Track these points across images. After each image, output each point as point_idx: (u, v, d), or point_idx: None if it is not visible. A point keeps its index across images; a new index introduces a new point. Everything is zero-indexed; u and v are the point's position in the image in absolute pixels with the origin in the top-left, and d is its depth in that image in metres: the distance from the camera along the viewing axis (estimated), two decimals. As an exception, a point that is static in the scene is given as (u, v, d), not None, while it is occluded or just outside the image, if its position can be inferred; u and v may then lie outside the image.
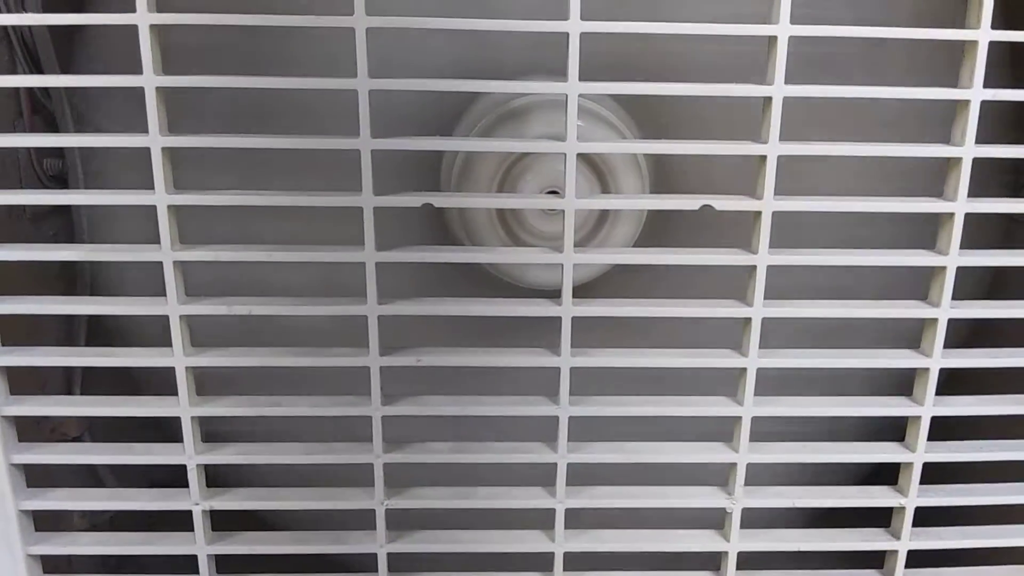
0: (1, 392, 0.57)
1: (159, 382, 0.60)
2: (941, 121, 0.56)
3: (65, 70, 0.66)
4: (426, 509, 0.61)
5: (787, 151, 0.54)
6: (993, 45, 0.52)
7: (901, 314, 0.58)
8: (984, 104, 0.53)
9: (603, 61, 0.59)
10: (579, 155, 0.54)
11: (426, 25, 0.51)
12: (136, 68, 0.50)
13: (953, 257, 0.56)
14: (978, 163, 0.55)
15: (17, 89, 0.65)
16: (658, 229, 0.67)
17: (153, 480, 0.66)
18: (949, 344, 0.59)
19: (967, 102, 0.53)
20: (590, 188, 0.61)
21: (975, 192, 0.55)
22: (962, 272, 0.57)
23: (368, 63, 0.51)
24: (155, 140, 0.52)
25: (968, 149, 0.54)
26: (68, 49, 0.69)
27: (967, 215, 0.56)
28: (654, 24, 0.52)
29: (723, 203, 0.55)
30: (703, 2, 0.67)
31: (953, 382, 0.64)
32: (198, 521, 0.60)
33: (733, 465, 0.61)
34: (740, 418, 0.59)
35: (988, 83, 0.53)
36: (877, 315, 0.58)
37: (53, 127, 0.68)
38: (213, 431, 0.61)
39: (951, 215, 0.56)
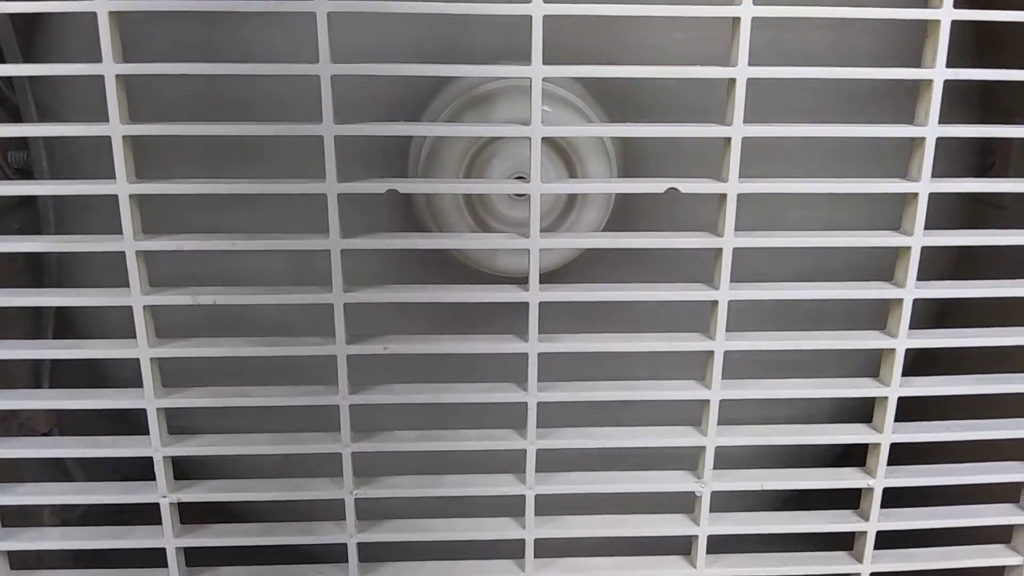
0: (-37, 386, 0.56)
1: (129, 379, 0.59)
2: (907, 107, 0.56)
3: (27, 61, 0.66)
4: (396, 501, 0.61)
5: (751, 133, 0.54)
6: (956, 26, 0.53)
7: (867, 295, 0.58)
8: (950, 87, 0.54)
9: (573, 54, 0.59)
10: (546, 141, 0.54)
11: (388, 9, 0.51)
12: (98, 58, 0.50)
13: (918, 237, 0.57)
14: (944, 146, 0.55)
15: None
16: (626, 220, 0.67)
17: (124, 477, 0.65)
18: (919, 324, 0.59)
19: (930, 82, 0.54)
20: (557, 174, 0.61)
21: (940, 174, 0.56)
22: (928, 253, 0.57)
23: (331, 50, 0.50)
24: (116, 128, 0.51)
25: (931, 129, 0.54)
26: (30, 40, 0.68)
27: (933, 196, 0.56)
28: (617, 6, 0.52)
29: (689, 186, 0.55)
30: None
31: (925, 364, 0.64)
32: (165, 514, 0.60)
33: (702, 449, 0.61)
34: (708, 401, 0.59)
35: (952, 64, 0.53)
36: (843, 296, 0.58)
37: (17, 119, 0.67)
38: (186, 427, 0.61)
39: (915, 195, 0.56)
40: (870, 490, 0.62)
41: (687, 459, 0.62)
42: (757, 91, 0.53)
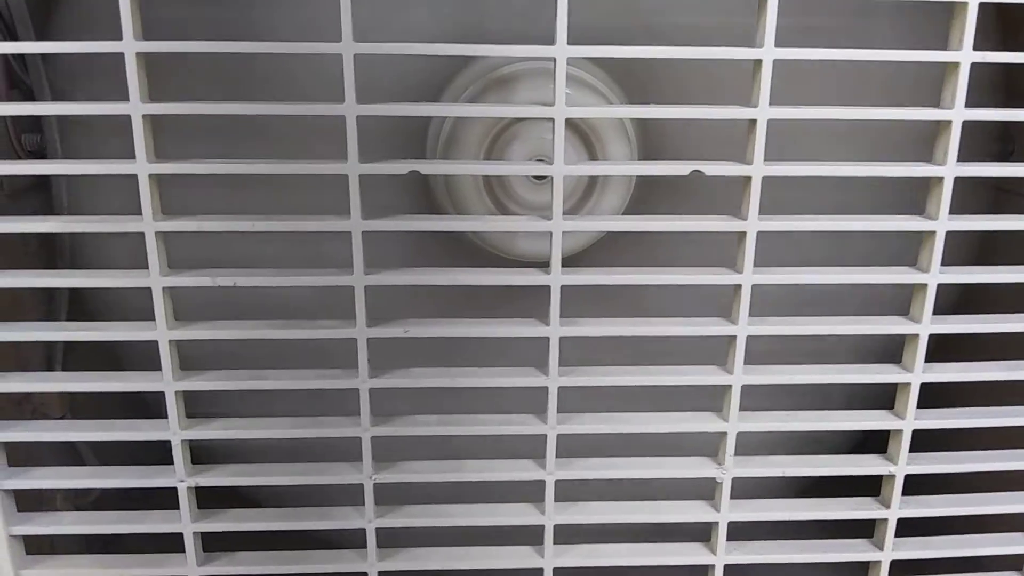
0: (-21, 369, 0.56)
1: (143, 366, 0.59)
2: (930, 93, 0.55)
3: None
4: (415, 489, 0.60)
5: (777, 115, 0.53)
6: (982, 8, 0.52)
7: (891, 279, 0.58)
8: (972, 71, 0.53)
9: (593, 37, 0.59)
10: (567, 123, 0.53)
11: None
12: (117, 37, 0.49)
13: (942, 222, 0.56)
14: (966, 133, 0.55)
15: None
16: (645, 209, 0.67)
17: (138, 464, 0.65)
18: (939, 310, 0.59)
19: (956, 64, 0.53)
20: (578, 157, 0.60)
21: (960, 162, 0.55)
22: (951, 239, 0.57)
23: (354, 32, 0.50)
24: (136, 107, 0.50)
25: (958, 112, 0.54)
26: (46, 22, 0.67)
27: (957, 181, 0.55)
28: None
29: (713, 168, 0.54)
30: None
31: (945, 350, 0.64)
32: (183, 498, 0.59)
33: (723, 435, 0.60)
34: (730, 387, 0.59)
35: (977, 48, 0.53)
36: (867, 280, 0.58)
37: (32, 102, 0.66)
38: (200, 416, 0.60)
39: (940, 180, 0.55)
40: (891, 477, 0.62)
41: (708, 448, 0.62)
42: (776, 81, 0.53)
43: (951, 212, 0.56)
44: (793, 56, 0.52)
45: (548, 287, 0.55)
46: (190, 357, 0.58)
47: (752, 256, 0.56)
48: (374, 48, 0.50)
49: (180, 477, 0.59)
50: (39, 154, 0.69)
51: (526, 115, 0.55)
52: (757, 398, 0.60)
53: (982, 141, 0.71)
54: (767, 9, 0.51)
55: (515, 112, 0.55)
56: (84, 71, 0.66)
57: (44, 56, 0.66)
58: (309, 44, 0.50)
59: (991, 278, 0.59)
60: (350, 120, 0.51)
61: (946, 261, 0.57)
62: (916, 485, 0.63)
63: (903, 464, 0.62)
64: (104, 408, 0.68)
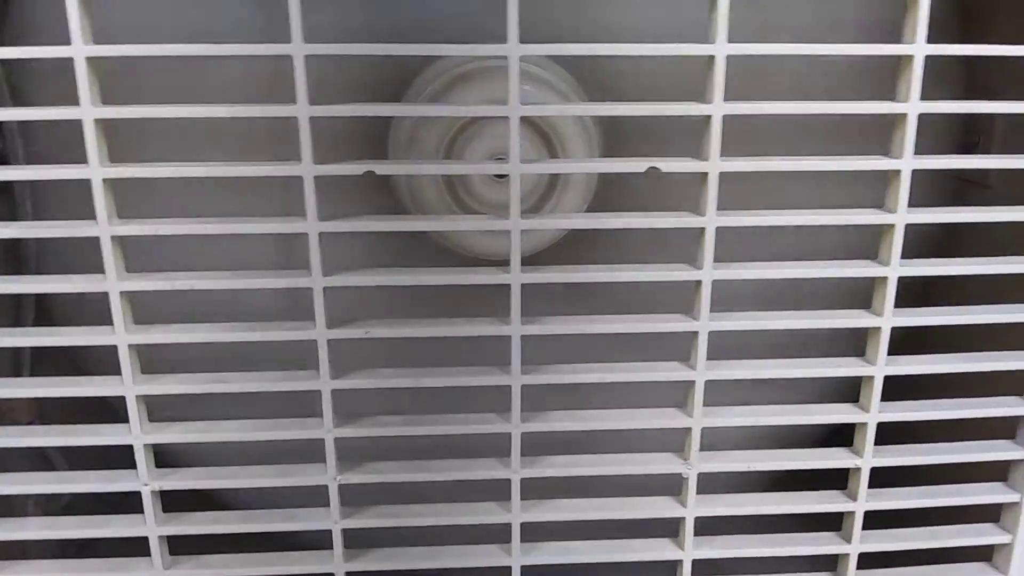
0: (-61, 375, 0.56)
1: (111, 370, 0.59)
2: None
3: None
4: (379, 486, 0.60)
5: (732, 110, 0.53)
6: (937, 1, 0.52)
7: (851, 273, 0.58)
8: (932, 66, 0.53)
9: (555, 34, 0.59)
10: (526, 122, 0.53)
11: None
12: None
13: (901, 215, 0.56)
14: (926, 126, 0.55)
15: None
16: (608, 207, 0.66)
17: (110, 468, 0.65)
18: (905, 302, 0.59)
19: (911, 57, 0.53)
20: (538, 156, 0.60)
21: (924, 154, 0.55)
22: (911, 235, 0.57)
23: (305, 32, 0.50)
24: (87, 111, 0.50)
25: (913, 105, 0.54)
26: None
27: (915, 177, 0.56)
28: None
29: (669, 164, 0.54)
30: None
31: (912, 341, 0.64)
32: (147, 502, 0.59)
33: (688, 430, 0.60)
34: (693, 383, 0.59)
35: (935, 41, 0.53)
36: (828, 275, 0.58)
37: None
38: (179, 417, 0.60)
39: (898, 172, 0.55)
40: (858, 470, 0.62)
41: (678, 440, 0.62)
42: (738, 77, 0.53)
43: (916, 204, 0.56)
44: (746, 51, 0.52)
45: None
46: (157, 359, 0.58)
47: (711, 253, 0.56)
48: (325, 49, 0.50)
49: (144, 481, 0.59)
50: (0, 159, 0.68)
51: (480, 114, 0.55)
52: (727, 391, 0.60)
53: (944, 133, 0.71)
54: (718, 5, 0.51)
55: (468, 112, 0.55)
56: (56, 73, 0.65)
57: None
58: (259, 47, 0.50)
59: (952, 270, 0.59)
60: (303, 121, 0.51)
61: (910, 254, 0.58)
62: (889, 476, 0.63)
63: (868, 457, 0.62)
64: (74, 415, 0.68)
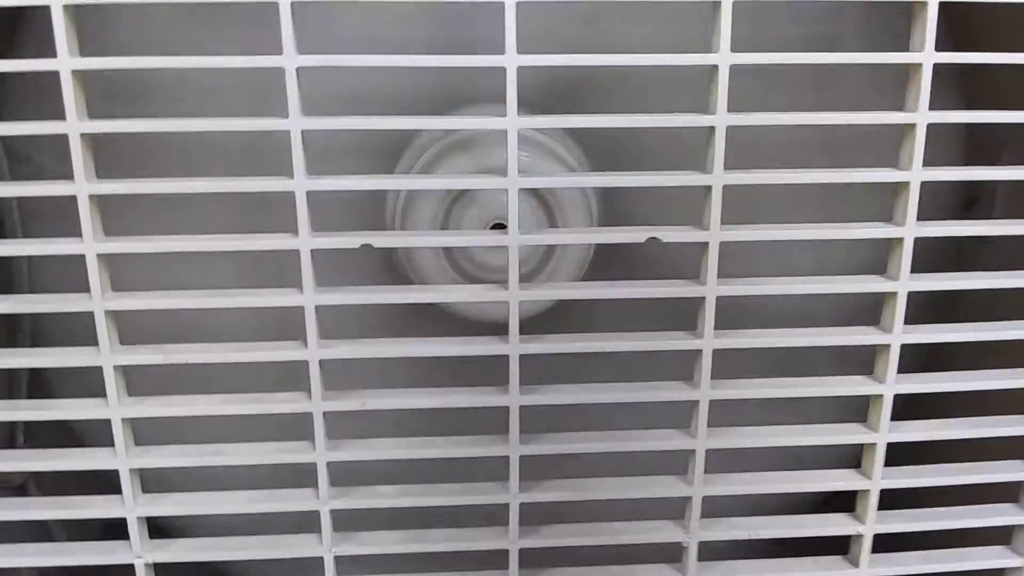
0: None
1: (101, 429, 0.58)
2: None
3: None
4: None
5: (733, 180, 0.53)
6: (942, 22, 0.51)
7: (859, 288, 0.57)
8: (933, 129, 0.53)
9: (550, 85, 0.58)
10: (526, 189, 0.52)
11: (357, 63, 0.50)
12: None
13: (910, 227, 0.55)
14: (927, 186, 0.54)
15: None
16: (607, 259, 0.66)
17: (108, 527, 0.64)
18: (907, 367, 0.58)
19: (919, 65, 0.52)
20: (537, 222, 0.60)
21: (924, 211, 0.55)
22: (922, 253, 0.56)
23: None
24: (73, 126, 0.49)
25: (922, 114, 0.53)
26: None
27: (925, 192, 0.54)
28: (594, 57, 0.51)
29: (670, 235, 0.54)
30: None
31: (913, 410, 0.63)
32: (141, 574, 0.58)
33: (688, 499, 0.60)
34: (694, 452, 0.58)
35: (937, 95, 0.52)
36: (834, 291, 0.57)
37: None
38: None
39: (907, 185, 0.54)
40: (860, 536, 0.61)
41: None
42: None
43: (916, 262, 0.55)
44: (748, 61, 0.51)
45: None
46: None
47: (712, 321, 0.55)
48: (322, 124, 0.50)
49: (137, 553, 0.58)
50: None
51: (478, 186, 0.54)
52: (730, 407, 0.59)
53: (947, 194, 0.71)
54: (719, 78, 0.50)
55: (467, 184, 0.55)
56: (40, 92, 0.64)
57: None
58: (250, 58, 0.49)
59: (964, 285, 0.58)
60: (300, 195, 0.51)
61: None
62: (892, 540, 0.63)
63: (871, 524, 0.61)
64: (67, 478, 0.67)
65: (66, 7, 0.47)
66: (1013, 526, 0.63)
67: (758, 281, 0.56)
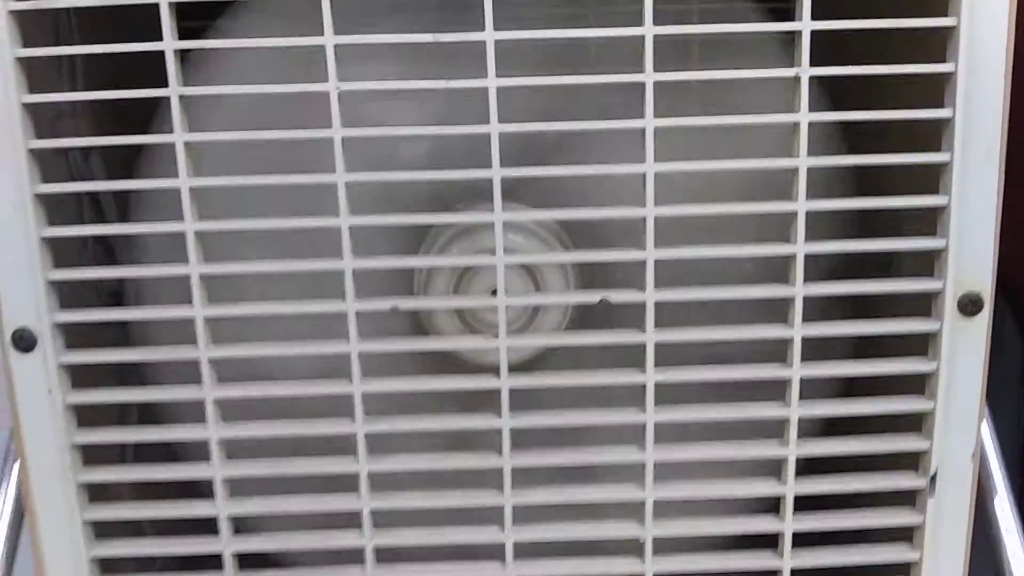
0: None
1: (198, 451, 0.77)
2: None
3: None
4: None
5: (664, 213, 0.70)
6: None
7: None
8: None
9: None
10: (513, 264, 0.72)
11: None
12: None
13: (801, 203, 0.68)
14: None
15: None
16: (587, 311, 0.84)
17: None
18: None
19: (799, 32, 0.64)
20: (525, 286, 0.79)
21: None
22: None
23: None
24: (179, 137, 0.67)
25: (803, 115, 0.66)
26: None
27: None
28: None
29: (618, 296, 0.72)
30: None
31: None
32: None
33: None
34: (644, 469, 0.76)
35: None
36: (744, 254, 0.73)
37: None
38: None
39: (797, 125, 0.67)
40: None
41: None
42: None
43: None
44: (672, 78, 0.67)
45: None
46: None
47: (652, 361, 0.73)
48: (366, 221, 0.70)
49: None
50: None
51: (473, 263, 0.74)
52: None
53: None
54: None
55: (464, 262, 0.75)
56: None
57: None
58: (300, 132, 0.68)
59: (858, 247, 0.72)
60: (347, 272, 0.71)
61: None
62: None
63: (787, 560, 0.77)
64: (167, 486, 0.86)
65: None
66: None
67: (697, 329, 0.74)
